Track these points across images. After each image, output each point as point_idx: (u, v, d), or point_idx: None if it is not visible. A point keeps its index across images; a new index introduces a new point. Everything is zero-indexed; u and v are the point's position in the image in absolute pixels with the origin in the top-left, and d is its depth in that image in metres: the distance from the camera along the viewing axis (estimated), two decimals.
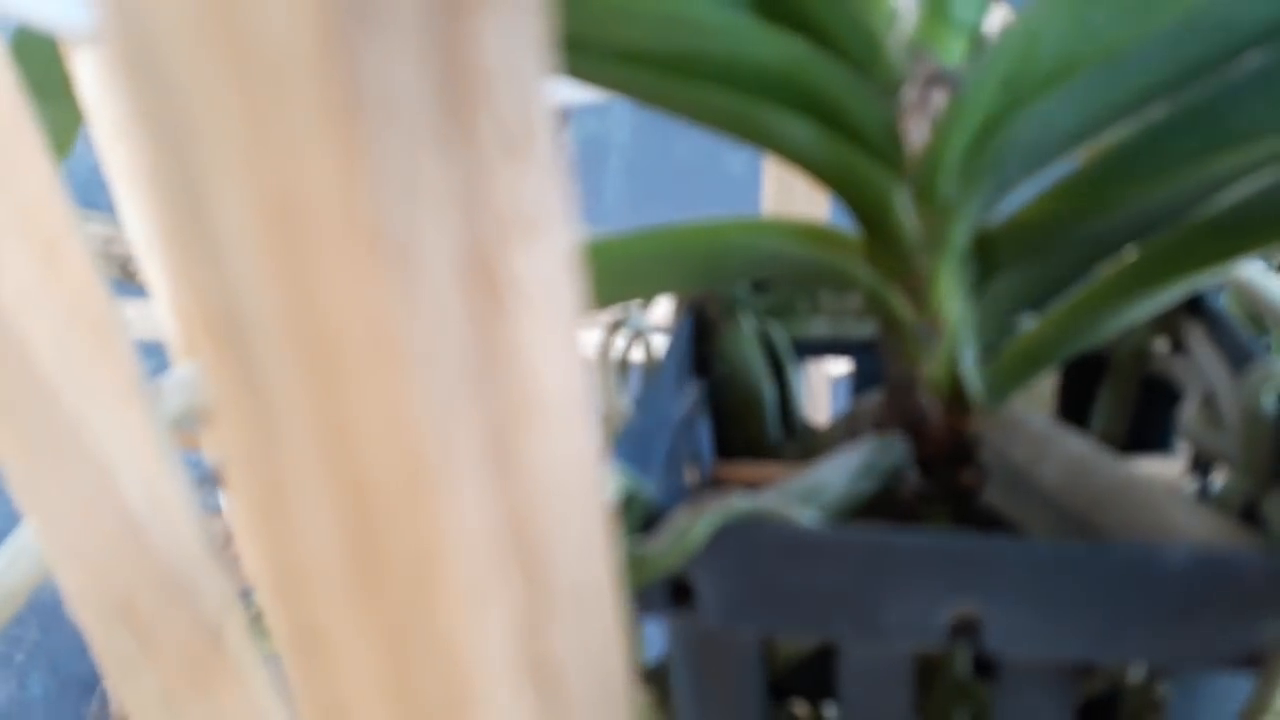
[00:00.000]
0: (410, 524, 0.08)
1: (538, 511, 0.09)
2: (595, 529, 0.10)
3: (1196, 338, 0.26)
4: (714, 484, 0.29)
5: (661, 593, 0.19)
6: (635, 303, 0.33)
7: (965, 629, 0.18)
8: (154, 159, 0.08)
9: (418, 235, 0.08)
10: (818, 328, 0.31)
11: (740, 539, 0.18)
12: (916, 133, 0.22)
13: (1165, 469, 0.26)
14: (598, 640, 0.11)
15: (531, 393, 0.09)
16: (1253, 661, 0.17)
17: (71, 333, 0.17)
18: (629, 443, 0.21)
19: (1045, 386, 0.30)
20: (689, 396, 0.28)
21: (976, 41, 0.22)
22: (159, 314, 0.33)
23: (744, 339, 0.29)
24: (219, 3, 0.07)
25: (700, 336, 0.30)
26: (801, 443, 0.30)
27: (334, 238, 0.07)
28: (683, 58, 0.22)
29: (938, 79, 0.21)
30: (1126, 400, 0.28)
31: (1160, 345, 0.27)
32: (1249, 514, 0.21)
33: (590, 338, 0.38)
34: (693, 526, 0.18)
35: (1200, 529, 0.20)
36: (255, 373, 0.08)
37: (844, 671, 0.20)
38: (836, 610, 0.18)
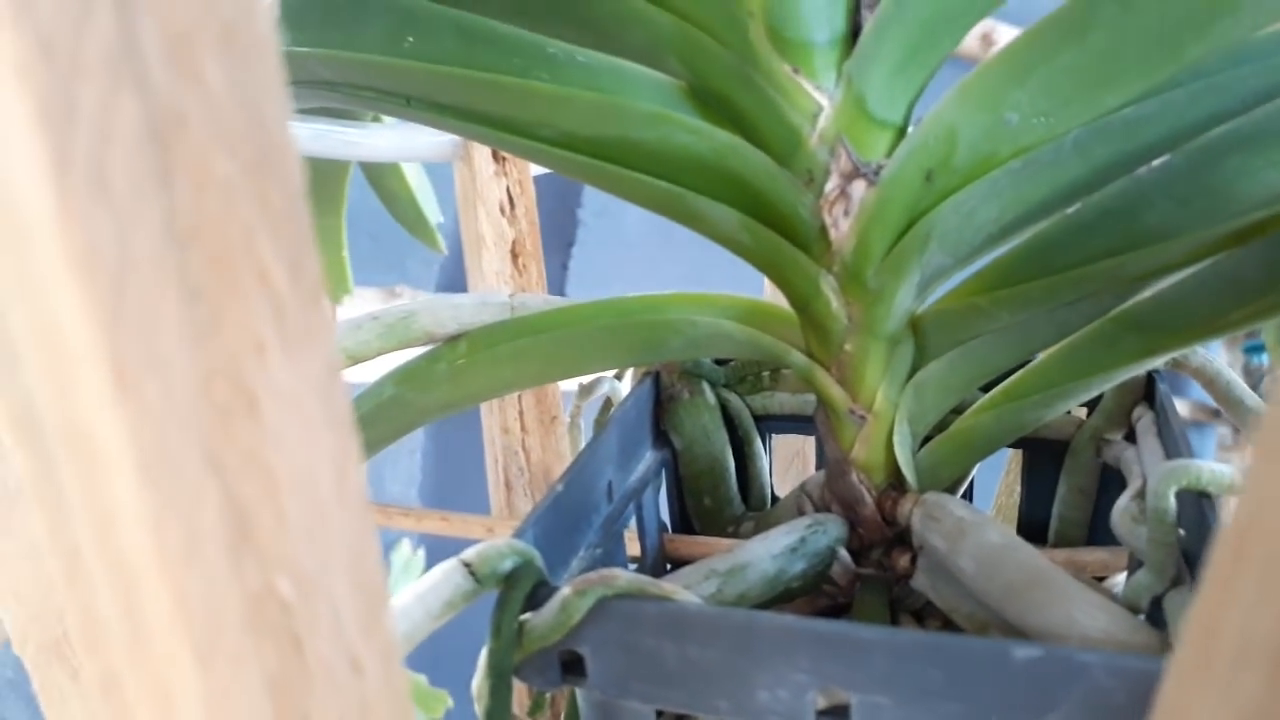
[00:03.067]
0: (163, 592, 0.11)
1: (289, 591, 0.12)
2: (363, 610, 0.13)
3: (1145, 426, 0.27)
4: (662, 557, 0.31)
5: (554, 664, 0.21)
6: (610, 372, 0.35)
7: (835, 714, 0.20)
8: None
9: (159, 363, 0.10)
10: (781, 402, 0.33)
11: (621, 615, 0.20)
12: (842, 223, 0.24)
13: (1114, 560, 0.27)
14: (372, 710, 0.13)
15: (283, 483, 0.11)
16: None
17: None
18: (543, 518, 0.23)
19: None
20: (641, 466, 0.30)
21: (901, 137, 0.24)
22: None
23: (703, 409, 0.32)
24: None
25: (660, 406, 0.32)
26: (758, 518, 0.31)
27: (89, 367, 0.10)
28: (614, 143, 0.25)
29: (857, 172, 0.23)
30: (1084, 491, 0.29)
31: (1117, 434, 0.29)
32: (1158, 612, 0.22)
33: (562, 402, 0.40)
34: (574, 600, 0.20)
35: (1096, 625, 0.21)
36: (51, 463, 0.11)
37: None
38: (712, 688, 0.20)
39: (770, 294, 0.40)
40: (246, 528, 0.11)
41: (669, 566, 0.31)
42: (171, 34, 0.10)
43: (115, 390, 0.10)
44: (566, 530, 0.25)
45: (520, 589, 0.20)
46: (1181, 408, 0.74)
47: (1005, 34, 0.89)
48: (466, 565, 0.21)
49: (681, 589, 0.21)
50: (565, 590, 0.20)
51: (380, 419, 0.32)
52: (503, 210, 0.41)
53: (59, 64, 0.09)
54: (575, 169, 0.26)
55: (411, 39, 0.27)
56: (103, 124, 0.09)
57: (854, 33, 0.24)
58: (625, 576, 0.20)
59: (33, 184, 0.09)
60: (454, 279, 1.35)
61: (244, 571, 0.11)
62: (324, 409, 0.12)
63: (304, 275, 0.11)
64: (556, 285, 1.30)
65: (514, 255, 0.41)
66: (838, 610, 0.28)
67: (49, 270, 0.10)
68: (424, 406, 0.31)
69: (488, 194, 0.40)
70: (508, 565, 0.21)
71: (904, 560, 0.26)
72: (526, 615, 0.21)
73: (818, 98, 0.24)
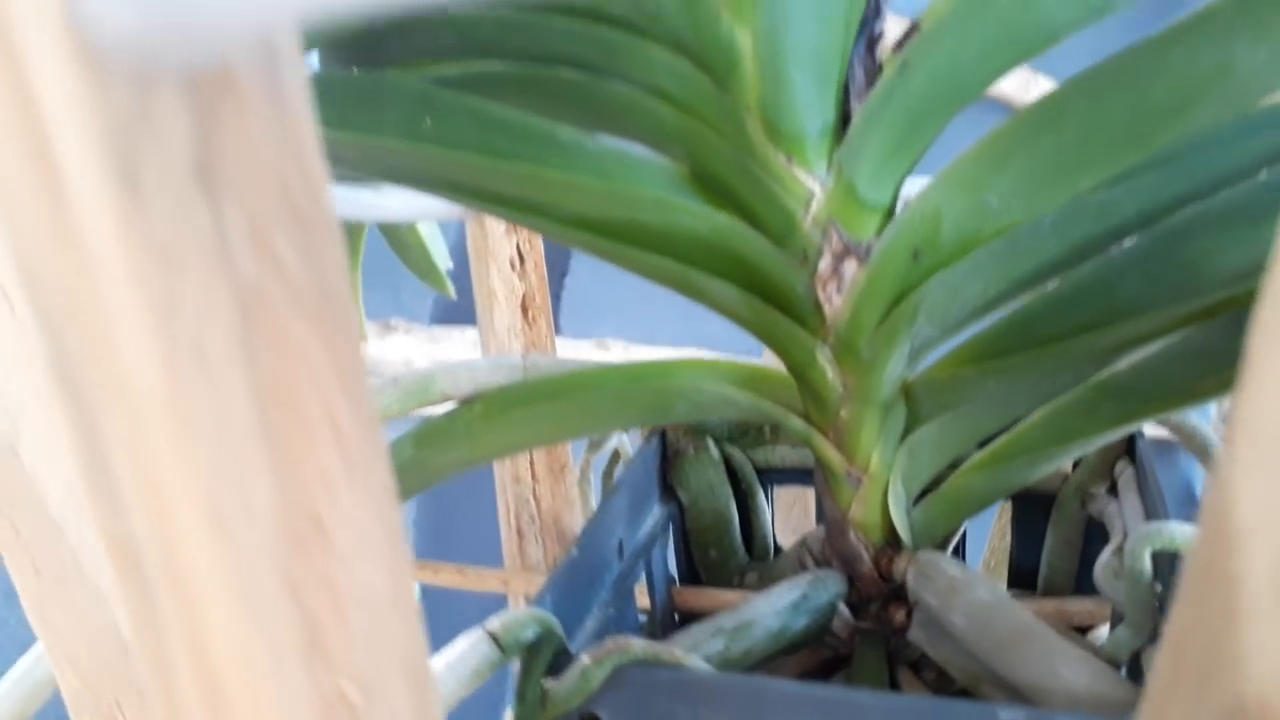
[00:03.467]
0: (247, 698, 0.12)
1: (355, 695, 0.13)
2: (417, 706, 0.14)
3: (1126, 482, 0.29)
4: (670, 608, 0.32)
5: None
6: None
7: None
8: (71, 425, 0.12)
9: (247, 505, 0.12)
10: (781, 455, 0.34)
11: (636, 680, 0.22)
12: (835, 299, 0.26)
13: (1099, 611, 0.29)
14: None
15: (348, 598, 0.13)
16: None
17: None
18: (559, 582, 0.25)
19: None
20: (650, 521, 0.32)
21: (890, 217, 0.26)
22: None
23: (708, 465, 0.33)
24: (93, 344, 0.11)
25: (667, 461, 0.33)
26: (762, 569, 0.33)
27: (189, 512, 0.12)
28: (623, 225, 0.27)
29: (848, 252, 0.25)
30: (1071, 542, 0.31)
31: (1100, 487, 0.30)
32: (1137, 665, 0.24)
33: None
34: (593, 668, 0.21)
35: (1079, 681, 0.23)
36: (147, 588, 0.13)
37: None
38: None
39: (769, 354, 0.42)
40: (318, 639, 0.13)
41: (677, 617, 0.33)
42: (253, 223, 0.11)
43: (211, 531, 0.12)
44: (581, 591, 0.27)
45: (542, 658, 0.22)
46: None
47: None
48: (492, 635, 0.22)
49: (692, 655, 0.22)
50: (584, 659, 0.22)
51: (401, 478, 0.33)
52: (513, 265, 0.42)
53: (168, 265, 0.11)
54: (584, 245, 0.27)
55: (429, 122, 0.29)
56: (200, 308, 0.11)
57: (844, 120, 0.26)
58: (640, 645, 0.22)
59: (147, 367, 0.11)
60: (448, 310, 1.38)
61: (317, 678, 0.13)
62: (381, 528, 0.13)
63: (363, 410, 0.13)
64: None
65: (524, 309, 0.42)
66: (838, 661, 0.29)
67: (156, 433, 0.11)
68: (441, 466, 0.33)
69: (499, 251, 0.42)
70: (530, 634, 0.22)
71: (900, 615, 0.28)
72: (549, 681, 0.22)
73: (810, 184, 0.25)
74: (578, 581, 0.26)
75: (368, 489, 0.13)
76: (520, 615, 0.23)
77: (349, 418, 0.13)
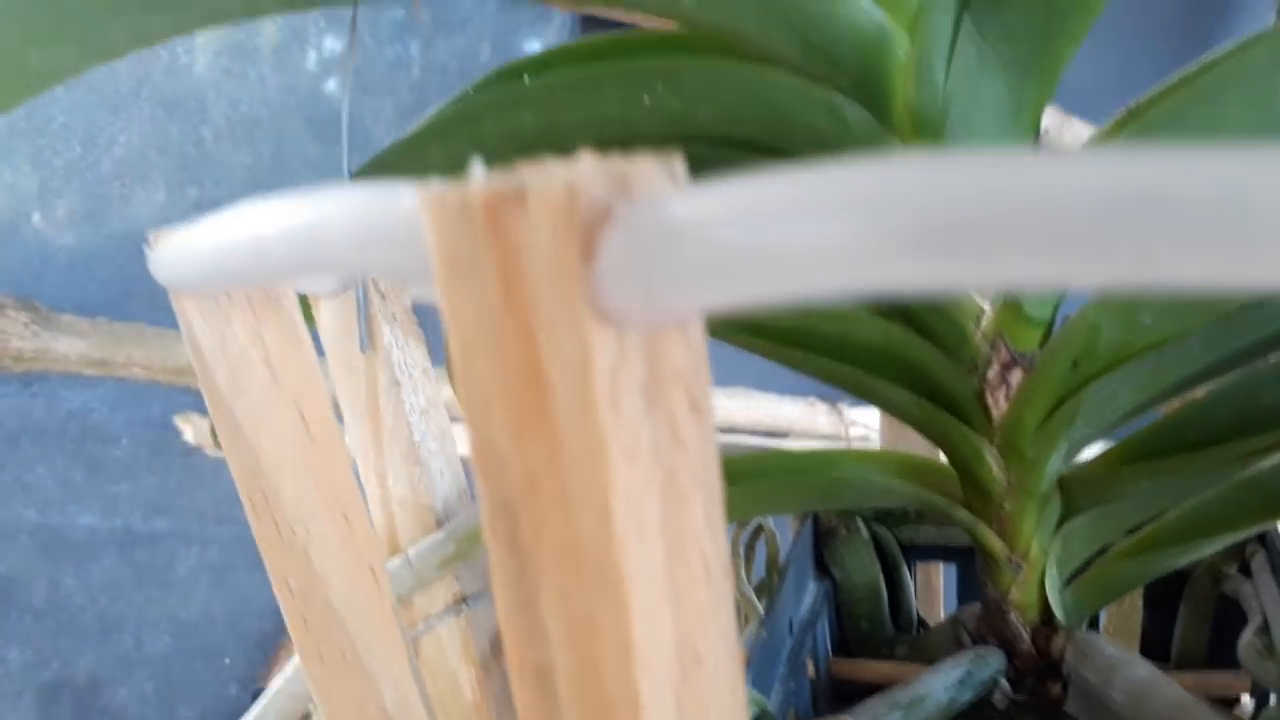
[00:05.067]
0: None
1: None
2: None
3: (1260, 565, 0.31)
4: (831, 680, 0.35)
5: None
6: None
7: None
8: (504, 572, 0.16)
9: (660, 642, 0.15)
10: (925, 534, 0.37)
11: None
12: (1002, 403, 0.29)
13: (1237, 683, 0.31)
14: None
15: (713, 712, 0.16)
16: None
17: (357, 581, 0.26)
18: (758, 660, 0.28)
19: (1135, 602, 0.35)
20: (809, 598, 0.35)
21: (1050, 331, 0.29)
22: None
23: (859, 543, 0.36)
24: (547, 517, 0.15)
25: (820, 541, 0.37)
26: (911, 641, 0.36)
27: (618, 653, 0.15)
28: (801, 333, 0.30)
29: (1014, 362, 0.28)
30: (1204, 616, 0.34)
31: (1232, 567, 0.33)
32: None
33: None
34: None
35: None
36: (557, 707, 0.16)
37: None
38: None
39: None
40: None
41: (833, 687, 0.36)
42: (671, 420, 0.15)
43: (632, 662, 0.15)
44: (769, 667, 0.30)
45: None
46: None
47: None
48: None
49: None
50: None
51: None
52: None
53: (628, 460, 0.14)
54: (764, 351, 0.31)
55: None
56: (642, 491, 0.15)
57: None
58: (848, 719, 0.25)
59: (598, 537, 0.14)
60: None
61: None
62: (728, 651, 0.17)
63: (722, 552, 0.16)
64: None
65: None
66: None
67: (595, 586, 0.15)
68: None
69: None
70: (750, 714, 0.25)
71: (1056, 688, 0.31)
72: None
73: (980, 303, 0.29)
74: (767, 659, 0.30)
75: (724, 619, 0.16)
76: None
77: (715, 561, 0.16)
